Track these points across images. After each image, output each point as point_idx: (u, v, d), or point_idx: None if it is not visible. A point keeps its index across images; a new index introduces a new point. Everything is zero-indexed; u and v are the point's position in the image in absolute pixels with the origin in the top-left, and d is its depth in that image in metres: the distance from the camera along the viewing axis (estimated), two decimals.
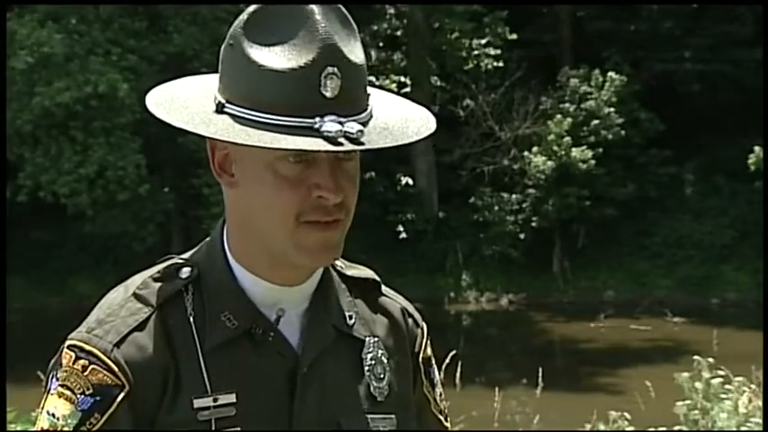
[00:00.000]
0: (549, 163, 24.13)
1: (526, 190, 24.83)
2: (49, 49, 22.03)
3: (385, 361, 1.68)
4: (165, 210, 24.30)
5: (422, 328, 1.78)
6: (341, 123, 1.48)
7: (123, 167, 22.72)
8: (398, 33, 26.58)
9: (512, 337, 22.34)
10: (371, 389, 1.65)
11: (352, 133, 1.48)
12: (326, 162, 1.52)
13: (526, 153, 24.69)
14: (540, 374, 9.08)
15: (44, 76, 22.35)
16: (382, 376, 1.67)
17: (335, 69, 1.49)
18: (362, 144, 1.49)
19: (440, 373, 1.82)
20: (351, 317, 1.67)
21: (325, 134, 1.47)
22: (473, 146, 25.09)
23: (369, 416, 1.63)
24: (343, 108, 1.49)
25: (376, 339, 1.69)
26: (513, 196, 24.92)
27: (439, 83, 26.52)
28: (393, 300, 1.76)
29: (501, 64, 25.73)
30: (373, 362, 1.67)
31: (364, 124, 1.51)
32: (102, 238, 24.32)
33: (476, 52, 26.14)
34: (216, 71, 1.60)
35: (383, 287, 1.76)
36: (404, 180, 25.30)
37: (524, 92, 25.00)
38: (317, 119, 1.48)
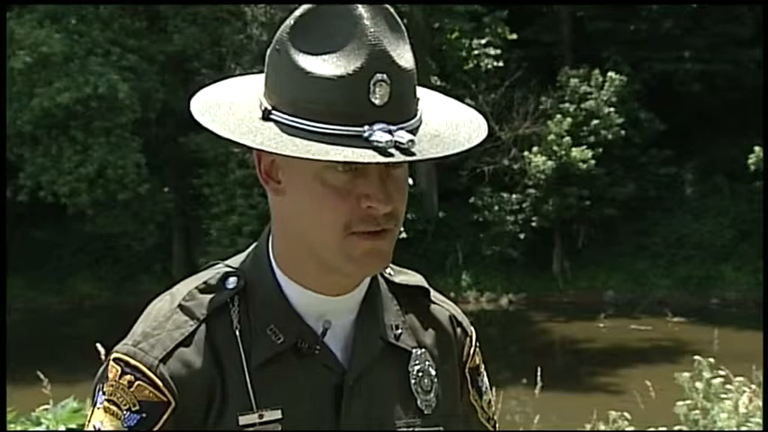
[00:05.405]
0: (549, 163, 24.13)
1: (526, 190, 24.83)
2: (49, 49, 22.04)
3: (433, 372, 1.65)
4: (165, 210, 24.30)
5: (470, 337, 1.75)
6: (390, 132, 1.43)
7: (123, 167, 22.73)
8: None
9: (512, 337, 22.32)
10: (418, 402, 1.62)
11: (403, 143, 1.43)
12: (376, 172, 1.47)
13: (526, 153, 24.69)
14: (540, 374, 9.07)
15: (44, 76, 22.37)
16: (429, 389, 1.64)
17: (385, 76, 1.44)
18: (414, 154, 1.43)
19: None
20: (398, 327, 1.64)
21: (375, 144, 1.42)
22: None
23: (415, 429, 1.61)
24: (392, 115, 1.44)
25: (423, 351, 1.65)
26: (513, 196, 24.93)
27: (439, 83, 26.46)
28: (441, 307, 1.73)
29: (501, 64, 25.75)
30: (420, 374, 1.63)
31: (414, 131, 1.46)
32: (102, 238, 24.32)
33: (476, 52, 26.15)
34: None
35: (432, 293, 1.72)
36: None
37: (524, 92, 25.02)
38: (366, 127, 1.43)
